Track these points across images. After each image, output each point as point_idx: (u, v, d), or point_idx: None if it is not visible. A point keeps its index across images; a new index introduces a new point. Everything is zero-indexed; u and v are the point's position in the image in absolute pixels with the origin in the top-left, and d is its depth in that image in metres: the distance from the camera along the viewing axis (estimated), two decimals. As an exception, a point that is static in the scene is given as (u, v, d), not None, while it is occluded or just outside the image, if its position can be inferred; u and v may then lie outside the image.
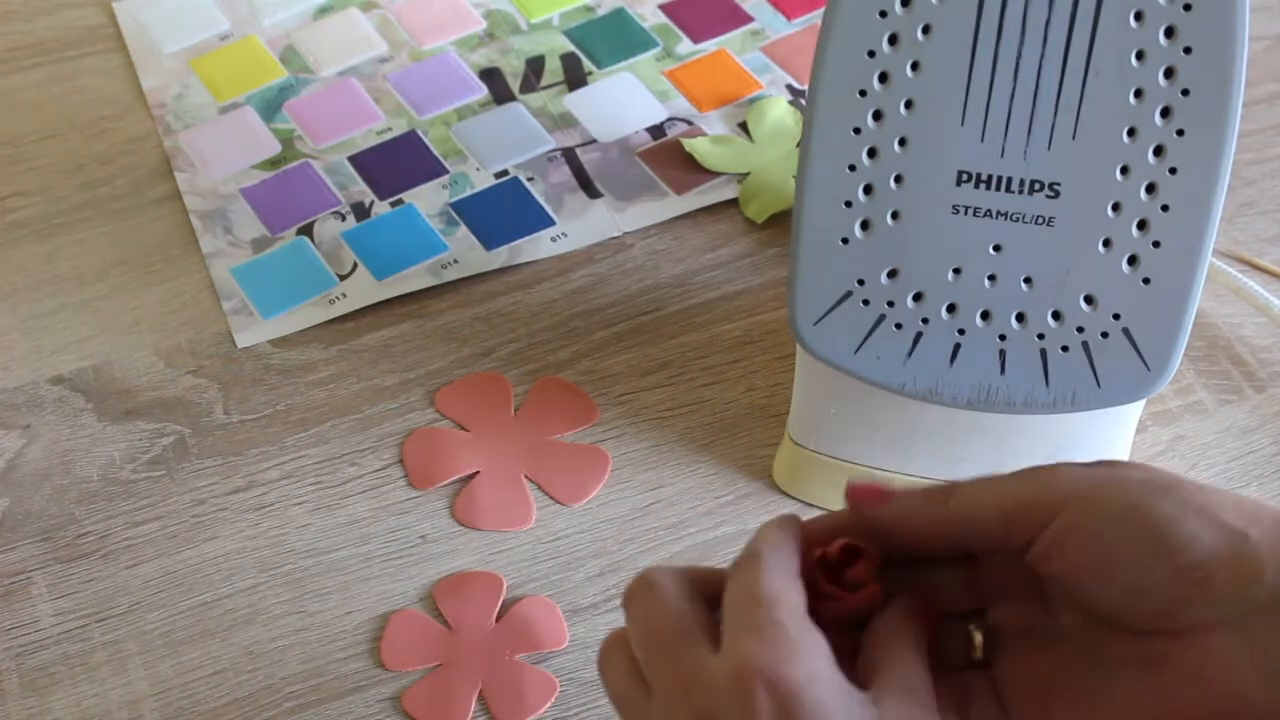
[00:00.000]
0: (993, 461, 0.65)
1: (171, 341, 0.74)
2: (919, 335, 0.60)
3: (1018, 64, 0.56)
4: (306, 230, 0.78)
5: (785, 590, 0.48)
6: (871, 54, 0.57)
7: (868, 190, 0.58)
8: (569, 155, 0.81)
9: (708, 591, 0.50)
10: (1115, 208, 0.58)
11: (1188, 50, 0.55)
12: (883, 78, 0.57)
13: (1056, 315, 0.59)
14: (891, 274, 0.59)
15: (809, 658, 0.46)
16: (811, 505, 0.67)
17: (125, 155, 0.81)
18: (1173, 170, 0.57)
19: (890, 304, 0.59)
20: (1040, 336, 0.59)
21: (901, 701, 0.47)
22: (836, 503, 0.67)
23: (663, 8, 0.87)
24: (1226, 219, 0.76)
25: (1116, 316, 0.59)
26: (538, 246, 0.77)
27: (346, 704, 0.62)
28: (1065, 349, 0.59)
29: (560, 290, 0.75)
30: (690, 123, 0.82)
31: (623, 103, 0.83)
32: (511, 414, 0.71)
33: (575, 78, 0.84)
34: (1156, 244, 0.58)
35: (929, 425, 0.64)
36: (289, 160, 0.81)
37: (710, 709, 0.46)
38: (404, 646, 0.63)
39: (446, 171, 0.80)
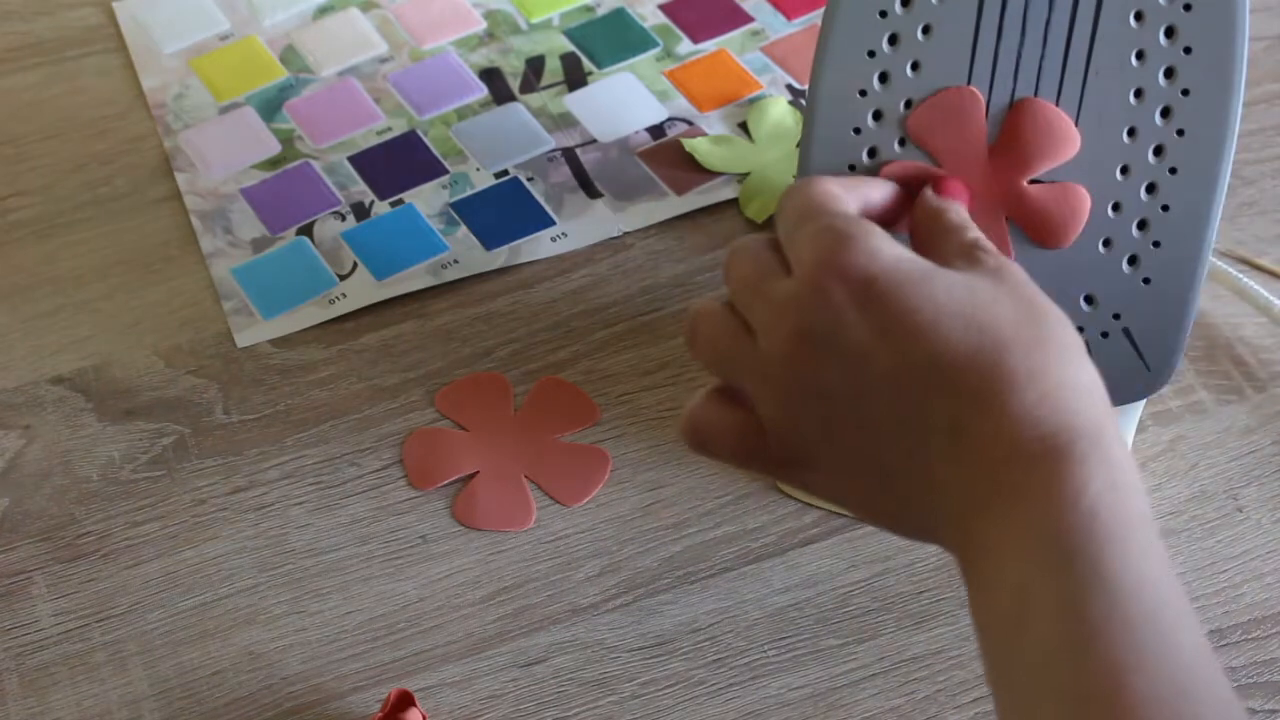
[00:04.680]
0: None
1: (171, 341, 0.74)
2: (919, 335, 0.60)
3: (1018, 64, 0.56)
4: (306, 230, 0.78)
5: (825, 195, 0.52)
6: (871, 54, 0.57)
7: (868, 190, 0.58)
8: (569, 155, 0.81)
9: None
10: (1115, 207, 0.58)
11: (1188, 50, 0.55)
12: (883, 77, 0.57)
13: (1056, 315, 0.59)
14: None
15: (863, 241, 0.49)
16: (811, 505, 0.67)
17: (125, 155, 0.81)
18: (1173, 170, 0.57)
19: (890, 304, 0.59)
20: (1040, 336, 0.59)
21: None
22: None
23: (663, 8, 0.87)
24: (1226, 219, 0.76)
25: (1116, 316, 0.59)
26: (538, 246, 0.77)
27: (346, 704, 0.62)
28: (1065, 349, 0.59)
29: (560, 290, 0.75)
30: (690, 123, 0.82)
31: (623, 103, 0.83)
32: (511, 414, 0.71)
33: (575, 78, 0.84)
34: (1156, 244, 0.58)
35: (929, 425, 0.64)
36: (289, 160, 0.81)
37: (801, 323, 0.49)
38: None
39: (446, 171, 0.80)
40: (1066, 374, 0.48)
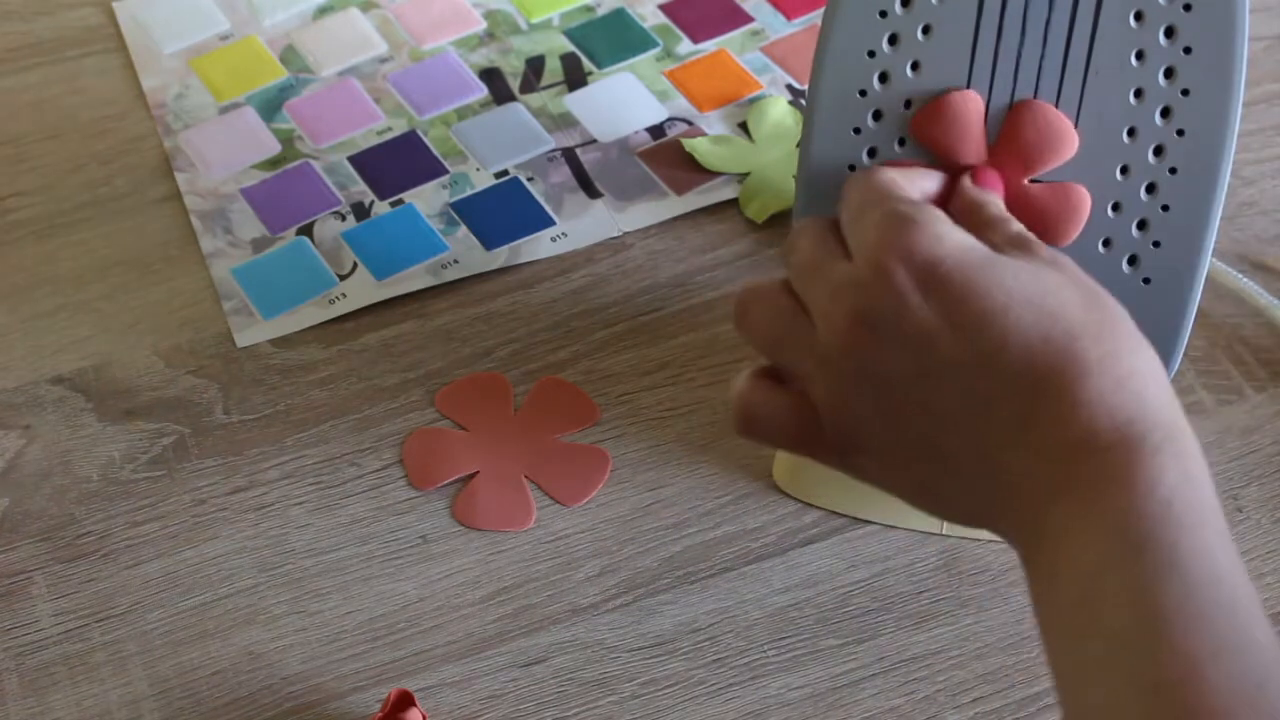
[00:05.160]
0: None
1: (171, 341, 0.74)
2: (919, 335, 0.60)
3: (1018, 64, 0.56)
4: (306, 230, 0.78)
5: (890, 182, 0.52)
6: (871, 54, 0.57)
7: (868, 190, 0.58)
8: (569, 155, 0.81)
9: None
10: (1115, 207, 0.58)
11: (1188, 50, 0.55)
12: (883, 77, 0.57)
13: (1056, 315, 0.59)
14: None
15: (929, 225, 0.49)
16: (812, 505, 0.67)
17: (125, 155, 0.81)
18: (1173, 170, 0.57)
19: (890, 304, 0.59)
20: (1040, 336, 0.59)
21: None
22: (837, 503, 0.67)
23: (663, 8, 0.87)
24: (1226, 219, 0.76)
25: (1116, 316, 0.59)
26: (538, 246, 0.77)
27: (346, 704, 0.62)
28: (1065, 349, 0.59)
29: (560, 290, 0.75)
30: (690, 123, 0.82)
31: (623, 103, 0.83)
32: (511, 414, 0.71)
33: (575, 78, 0.84)
34: (1156, 244, 0.58)
35: (929, 425, 0.64)
36: (289, 160, 0.81)
37: (860, 305, 0.49)
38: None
39: (446, 171, 0.80)
40: (1137, 361, 0.47)
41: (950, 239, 0.49)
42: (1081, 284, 0.49)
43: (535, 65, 0.85)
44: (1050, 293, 0.48)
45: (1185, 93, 0.56)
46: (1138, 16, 0.55)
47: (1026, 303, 0.48)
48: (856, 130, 0.58)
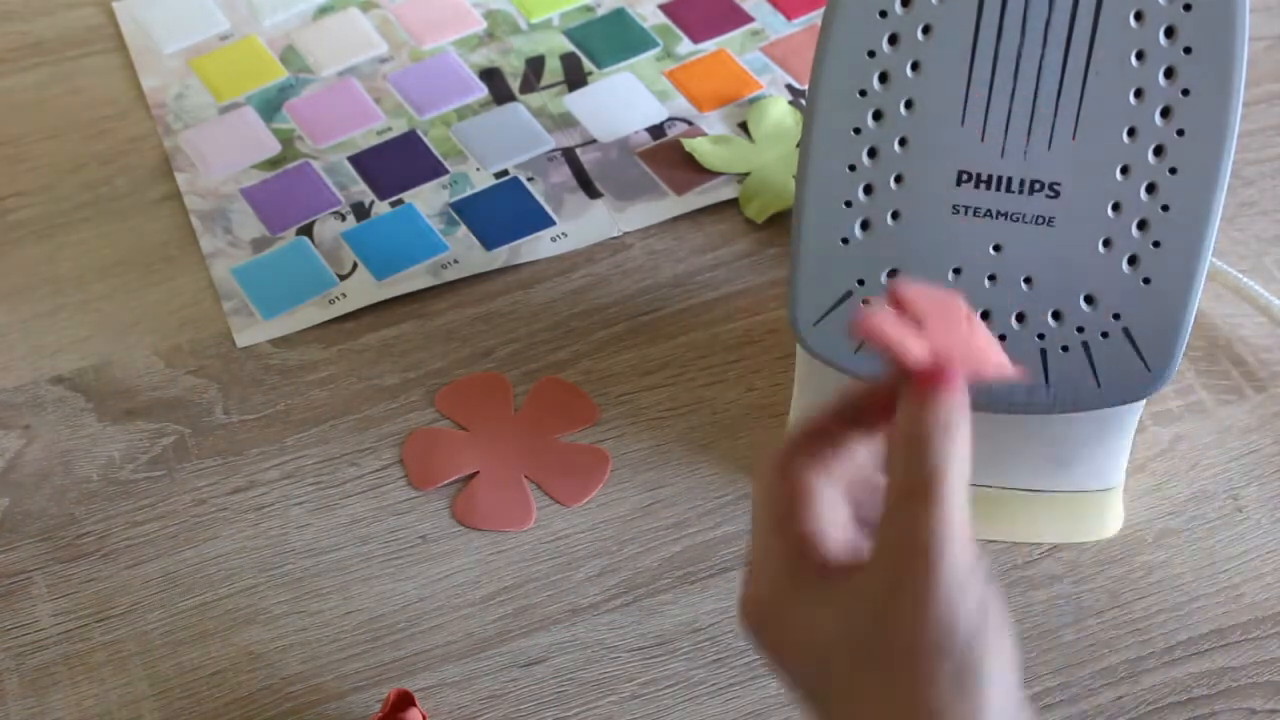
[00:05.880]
0: (993, 461, 0.65)
1: (171, 341, 0.74)
2: (919, 335, 0.60)
3: (1018, 64, 0.56)
4: (306, 230, 0.78)
5: (761, 506, 0.49)
6: (871, 54, 0.57)
7: (868, 190, 0.58)
8: (569, 155, 0.81)
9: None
10: (1115, 208, 0.58)
11: (1188, 50, 0.55)
12: (883, 78, 0.57)
13: (1056, 315, 0.59)
14: (892, 274, 0.59)
15: (750, 577, 0.48)
16: (811, 505, 0.67)
17: (125, 155, 0.81)
18: (1173, 170, 0.57)
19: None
20: (1040, 336, 0.59)
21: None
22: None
23: (663, 8, 0.87)
24: (1226, 219, 0.76)
25: (1116, 316, 0.59)
26: (538, 246, 0.77)
27: (347, 704, 0.62)
28: (1065, 349, 0.59)
29: (560, 290, 0.75)
30: (690, 123, 0.82)
31: (623, 103, 0.83)
32: (511, 414, 0.71)
33: (575, 78, 0.84)
34: (1156, 244, 0.58)
35: (929, 425, 0.64)
36: (289, 160, 0.81)
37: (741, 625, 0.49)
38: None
39: (446, 171, 0.80)
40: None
41: (753, 595, 0.48)
42: (888, 621, 0.44)
43: (535, 65, 0.85)
44: (820, 645, 0.46)
45: (1185, 93, 0.56)
46: (1138, 16, 0.55)
47: (803, 651, 0.47)
48: (856, 130, 0.58)
